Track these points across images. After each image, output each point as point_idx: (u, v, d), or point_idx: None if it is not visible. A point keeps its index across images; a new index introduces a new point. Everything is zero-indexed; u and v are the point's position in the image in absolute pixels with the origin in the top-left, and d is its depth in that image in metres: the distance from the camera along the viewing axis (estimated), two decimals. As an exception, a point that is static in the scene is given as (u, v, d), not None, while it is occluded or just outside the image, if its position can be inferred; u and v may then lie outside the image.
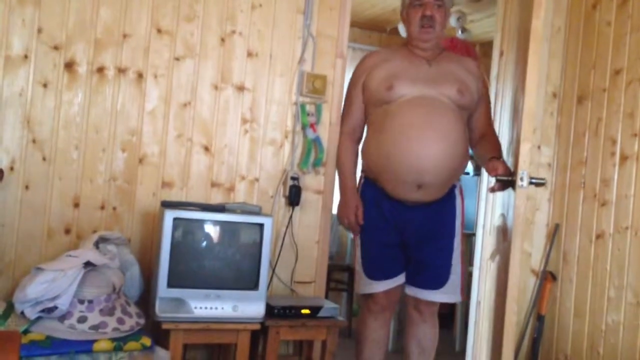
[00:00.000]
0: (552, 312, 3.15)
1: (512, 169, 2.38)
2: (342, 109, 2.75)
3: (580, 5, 3.16)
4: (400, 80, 2.46)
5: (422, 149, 2.36)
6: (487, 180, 3.26)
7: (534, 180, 2.32)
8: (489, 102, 2.69)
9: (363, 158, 2.58)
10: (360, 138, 2.65)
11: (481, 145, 2.58)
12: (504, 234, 2.57)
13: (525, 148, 2.28)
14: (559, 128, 3.23)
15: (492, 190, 2.48)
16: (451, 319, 4.39)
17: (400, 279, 2.55)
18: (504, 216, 2.64)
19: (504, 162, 2.43)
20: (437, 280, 2.51)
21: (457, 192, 2.58)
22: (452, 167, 2.43)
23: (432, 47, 2.57)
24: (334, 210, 3.01)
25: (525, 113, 2.30)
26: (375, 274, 2.54)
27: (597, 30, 3.02)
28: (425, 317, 2.58)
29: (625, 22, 2.86)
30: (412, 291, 2.55)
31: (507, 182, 2.37)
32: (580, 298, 2.99)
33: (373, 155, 2.50)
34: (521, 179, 2.26)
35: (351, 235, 3.63)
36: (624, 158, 2.80)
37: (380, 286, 2.53)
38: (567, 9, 3.23)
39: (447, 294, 2.52)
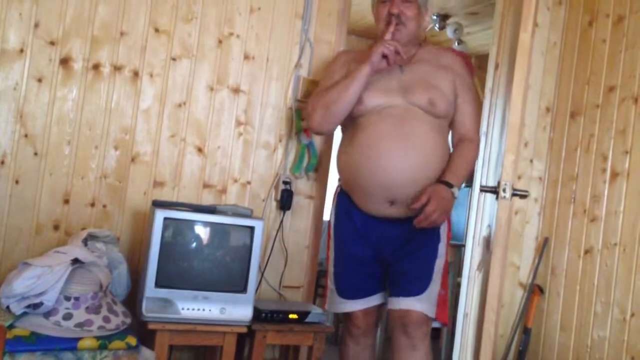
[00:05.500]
0: (539, 326, 3.16)
1: (499, 179, 2.38)
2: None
3: (576, 21, 3.18)
4: (370, 92, 2.26)
5: (392, 163, 2.17)
6: (478, 191, 3.27)
7: (517, 192, 2.33)
8: (472, 101, 2.37)
9: (337, 169, 2.40)
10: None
11: (452, 153, 2.32)
12: (488, 244, 2.58)
13: (508, 160, 2.29)
14: (551, 142, 3.25)
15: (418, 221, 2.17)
16: (438, 329, 4.39)
17: (377, 298, 2.35)
18: (490, 227, 2.65)
19: (434, 193, 2.14)
20: (415, 285, 2.22)
21: None
22: (428, 180, 2.20)
23: (405, 47, 2.32)
24: (325, 216, 3.01)
25: (510, 125, 2.31)
26: (349, 293, 2.34)
27: (592, 47, 3.05)
28: (415, 341, 2.21)
29: (620, 40, 2.88)
30: (390, 303, 2.26)
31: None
32: (567, 312, 3.00)
33: (344, 169, 2.34)
34: (504, 190, 2.27)
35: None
36: (614, 175, 2.82)
37: (356, 305, 2.33)
38: (564, 25, 3.26)
39: (423, 303, 2.20)
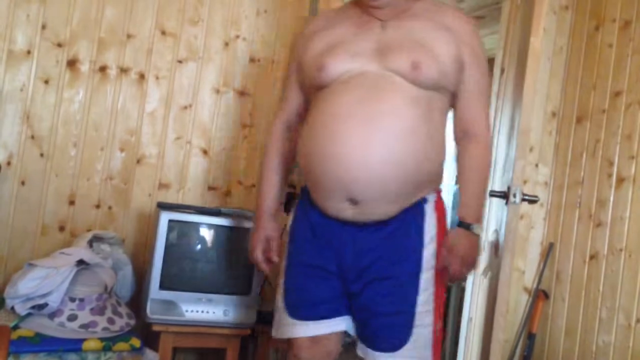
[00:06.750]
0: (544, 331, 3.15)
1: (507, 185, 2.38)
2: None
3: (583, 26, 3.18)
4: (335, 56, 1.70)
5: (349, 151, 1.60)
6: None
7: (526, 197, 2.33)
8: (481, 81, 1.78)
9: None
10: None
11: (459, 162, 1.80)
12: (496, 249, 2.57)
13: (519, 165, 2.29)
14: (557, 147, 3.24)
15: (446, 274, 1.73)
16: (442, 333, 4.38)
17: (339, 323, 1.75)
18: (497, 232, 2.64)
19: (452, 248, 1.68)
20: (393, 337, 1.67)
21: (428, 206, 1.73)
22: (404, 175, 1.63)
23: (392, 2, 1.75)
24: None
25: (521, 130, 2.31)
26: (299, 310, 1.75)
27: (599, 52, 3.04)
28: None
29: (627, 44, 2.87)
30: (361, 351, 1.73)
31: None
32: (572, 318, 2.99)
33: (299, 156, 1.78)
34: (514, 195, 2.26)
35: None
36: (620, 180, 2.81)
37: (304, 329, 1.73)
38: (570, 29, 3.25)
39: (409, 359, 1.66)
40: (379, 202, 1.65)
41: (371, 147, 1.60)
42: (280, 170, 1.92)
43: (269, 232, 1.87)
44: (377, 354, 1.68)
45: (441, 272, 1.72)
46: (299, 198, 1.86)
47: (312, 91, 1.78)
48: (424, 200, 1.73)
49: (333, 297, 1.73)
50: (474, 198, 1.75)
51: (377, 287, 1.68)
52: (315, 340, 1.74)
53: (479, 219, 1.74)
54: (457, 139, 1.81)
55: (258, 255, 1.86)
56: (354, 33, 1.74)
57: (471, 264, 1.72)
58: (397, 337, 1.66)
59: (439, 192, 1.80)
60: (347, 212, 1.67)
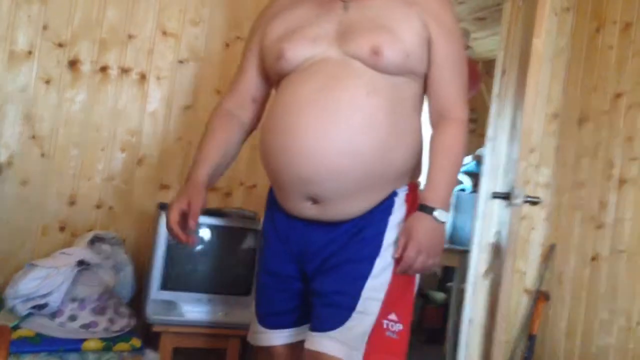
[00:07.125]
0: (544, 332, 3.15)
1: (510, 186, 2.38)
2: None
3: (583, 27, 3.18)
4: (294, 42, 1.58)
5: (307, 144, 1.48)
6: (484, 196, 3.26)
7: (528, 199, 2.33)
8: (453, 57, 1.60)
9: None
10: (252, 121, 1.79)
11: (430, 143, 1.62)
12: (497, 251, 2.57)
13: (521, 167, 2.29)
14: (558, 149, 3.24)
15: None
16: (442, 335, 4.38)
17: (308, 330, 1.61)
18: (498, 234, 2.65)
19: (410, 231, 1.51)
20: (330, 316, 1.51)
21: (398, 199, 1.59)
22: (364, 168, 1.49)
23: None
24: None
25: (522, 132, 2.31)
26: (267, 319, 1.67)
27: (600, 53, 3.04)
28: None
29: (628, 46, 2.87)
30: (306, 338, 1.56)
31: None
32: (573, 319, 2.98)
33: (260, 150, 1.65)
34: (516, 197, 2.27)
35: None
36: (622, 182, 2.80)
37: (276, 337, 1.65)
38: (571, 31, 3.25)
39: (339, 344, 1.46)
40: (340, 199, 1.52)
41: (329, 138, 1.47)
42: (222, 147, 1.72)
43: (193, 199, 1.59)
44: (311, 333, 1.52)
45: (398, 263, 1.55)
46: (268, 197, 1.74)
47: (275, 79, 1.66)
48: (393, 194, 1.59)
49: (301, 305, 1.64)
50: (442, 181, 1.56)
51: (330, 271, 1.55)
52: (291, 347, 1.65)
53: (443, 203, 1.54)
54: (433, 124, 1.64)
55: (173, 217, 1.57)
56: (316, 14, 1.61)
57: (429, 251, 1.51)
58: (334, 317, 1.50)
59: (413, 185, 1.64)
60: (308, 211, 1.55)
